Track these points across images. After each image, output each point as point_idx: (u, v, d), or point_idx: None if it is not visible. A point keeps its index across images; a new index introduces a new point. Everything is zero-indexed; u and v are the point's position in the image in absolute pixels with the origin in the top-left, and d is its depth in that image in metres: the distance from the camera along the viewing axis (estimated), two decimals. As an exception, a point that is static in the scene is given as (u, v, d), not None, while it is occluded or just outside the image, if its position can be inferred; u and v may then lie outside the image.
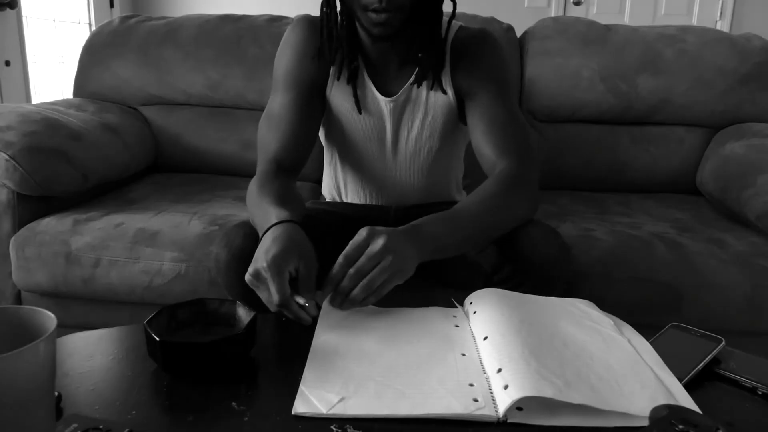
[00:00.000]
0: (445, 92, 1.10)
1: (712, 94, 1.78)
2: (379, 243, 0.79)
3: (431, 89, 1.11)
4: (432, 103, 1.12)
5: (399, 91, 1.12)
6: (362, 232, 0.81)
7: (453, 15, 1.08)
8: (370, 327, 0.79)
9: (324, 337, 0.75)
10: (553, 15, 3.27)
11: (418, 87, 1.11)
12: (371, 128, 1.14)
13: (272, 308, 0.79)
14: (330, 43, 1.07)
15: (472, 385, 0.65)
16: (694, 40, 1.82)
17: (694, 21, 3.30)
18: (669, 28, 1.87)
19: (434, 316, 0.82)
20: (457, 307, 0.86)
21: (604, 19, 1.99)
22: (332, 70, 1.11)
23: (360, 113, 1.12)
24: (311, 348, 0.73)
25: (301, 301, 0.78)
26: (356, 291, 0.79)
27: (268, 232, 0.85)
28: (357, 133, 1.15)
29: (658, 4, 3.32)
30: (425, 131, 1.14)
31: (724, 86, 1.78)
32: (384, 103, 1.12)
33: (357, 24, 1.05)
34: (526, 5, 3.35)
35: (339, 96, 1.12)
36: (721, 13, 3.28)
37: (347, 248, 0.81)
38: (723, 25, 3.28)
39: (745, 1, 3.26)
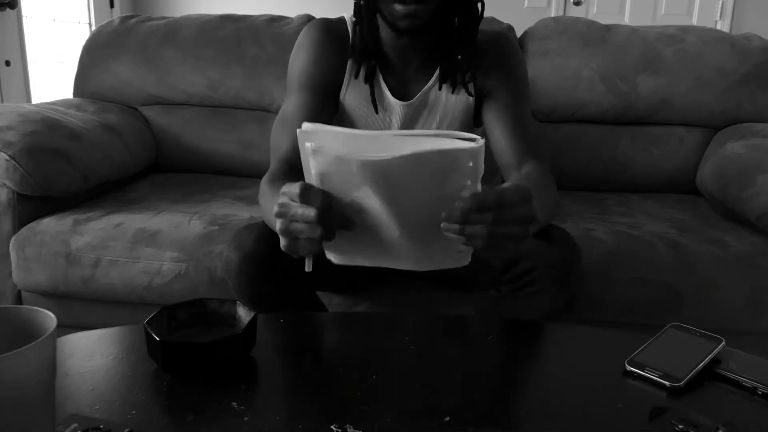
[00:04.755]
0: (471, 94, 1.09)
1: (712, 94, 1.78)
2: (528, 205, 0.68)
3: (453, 92, 1.10)
4: (451, 105, 1.11)
5: (415, 94, 1.11)
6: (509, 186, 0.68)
7: (481, 15, 1.07)
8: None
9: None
10: (553, 15, 3.26)
11: (440, 89, 1.10)
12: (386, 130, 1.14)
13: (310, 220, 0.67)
14: (357, 38, 1.07)
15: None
16: (694, 40, 1.82)
17: (694, 21, 3.29)
18: (669, 28, 1.87)
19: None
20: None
21: (604, 19, 1.99)
22: (348, 69, 1.10)
23: (377, 113, 1.11)
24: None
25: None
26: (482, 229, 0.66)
27: None
28: None
29: (658, 4, 3.32)
30: None
31: (724, 86, 1.78)
32: (398, 107, 1.11)
33: (379, 20, 1.04)
34: (526, 5, 3.35)
35: (354, 97, 1.11)
36: (721, 13, 3.28)
37: (492, 194, 0.66)
38: (723, 25, 3.28)
39: (745, 1, 3.26)
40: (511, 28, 1.88)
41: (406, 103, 1.11)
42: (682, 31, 1.85)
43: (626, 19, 3.32)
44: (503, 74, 1.09)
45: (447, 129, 1.13)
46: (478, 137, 0.63)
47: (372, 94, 1.09)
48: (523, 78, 1.12)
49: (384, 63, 1.10)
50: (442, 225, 0.66)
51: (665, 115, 1.82)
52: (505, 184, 0.70)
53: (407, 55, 1.09)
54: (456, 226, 0.65)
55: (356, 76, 1.10)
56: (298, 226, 0.68)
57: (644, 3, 3.32)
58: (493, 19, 1.87)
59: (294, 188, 0.68)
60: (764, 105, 1.79)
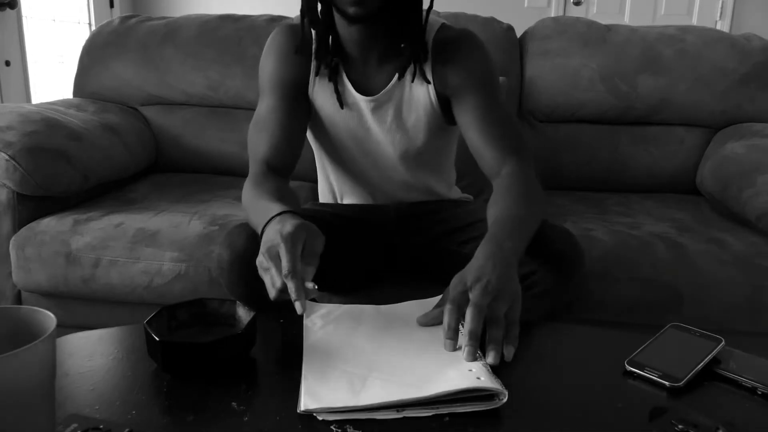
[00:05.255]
0: (429, 82, 1.08)
1: (712, 94, 1.78)
2: (479, 288, 0.75)
3: (413, 81, 1.09)
4: (416, 102, 1.11)
5: (380, 90, 1.10)
6: (456, 282, 0.78)
7: (431, 6, 1.06)
8: (357, 325, 0.80)
9: (314, 338, 0.76)
10: (553, 15, 3.26)
11: (399, 80, 1.09)
12: (355, 127, 1.13)
13: (274, 292, 0.77)
14: (310, 36, 1.07)
15: (471, 370, 0.67)
16: (694, 40, 1.82)
17: (694, 21, 3.29)
18: (669, 28, 1.87)
19: (415, 311, 0.83)
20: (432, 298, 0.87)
21: (604, 19, 1.99)
22: (312, 66, 1.10)
23: (342, 108, 1.11)
24: (304, 349, 0.73)
25: (309, 285, 0.77)
26: (493, 332, 0.73)
27: (273, 221, 0.85)
28: (342, 132, 1.15)
29: (658, 4, 3.32)
30: (410, 130, 1.13)
31: (724, 86, 1.78)
32: (365, 102, 1.11)
33: (335, 12, 1.03)
34: (526, 5, 3.35)
35: (321, 94, 1.12)
36: (721, 13, 3.28)
37: (451, 295, 0.76)
38: (723, 25, 3.28)
39: (745, 1, 3.26)
40: (511, 28, 1.88)
41: (371, 98, 1.10)
42: (682, 31, 1.85)
43: (626, 19, 3.32)
44: (468, 71, 1.07)
45: (414, 124, 1.12)
46: (499, 393, 0.63)
47: (336, 90, 1.09)
48: (491, 74, 1.10)
49: (345, 59, 1.10)
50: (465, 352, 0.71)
51: (665, 115, 1.82)
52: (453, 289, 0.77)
53: (366, 48, 1.08)
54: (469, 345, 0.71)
55: (317, 73, 1.10)
56: (267, 279, 0.79)
57: (644, 3, 3.32)
58: (493, 19, 1.87)
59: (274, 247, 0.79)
60: (764, 105, 1.79)
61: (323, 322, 0.80)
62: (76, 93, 1.93)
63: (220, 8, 2.79)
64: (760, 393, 0.67)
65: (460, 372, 0.67)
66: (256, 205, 0.94)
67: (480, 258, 0.81)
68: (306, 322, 0.80)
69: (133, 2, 3.49)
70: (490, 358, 0.70)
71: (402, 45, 1.06)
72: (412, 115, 1.12)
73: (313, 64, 1.10)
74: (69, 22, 3.10)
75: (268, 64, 1.12)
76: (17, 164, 1.36)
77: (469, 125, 1.07)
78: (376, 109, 1.11)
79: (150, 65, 1.85)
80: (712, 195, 1.68)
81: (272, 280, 0.78)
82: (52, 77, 2.97)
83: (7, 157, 1.36)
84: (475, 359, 0.69)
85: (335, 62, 1.08)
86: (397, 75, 1.08)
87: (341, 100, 1.10)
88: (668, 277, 1.28)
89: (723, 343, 0.74)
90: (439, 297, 0.87)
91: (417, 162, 1.18)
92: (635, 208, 1.66)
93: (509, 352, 0.72)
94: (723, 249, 1.34)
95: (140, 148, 1.80)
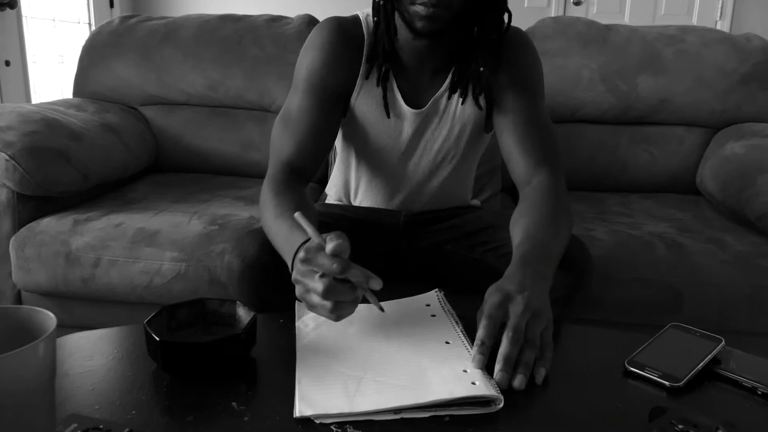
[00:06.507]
0: (481, 108, 1.05)
1: (712, 94, 1.78)
2: (520, 301, 0.72)
3: (462, 103, 1.06)
4: (461, 113, 1.08)
5: (426, 101, 1.07)
6: (495, 294, 0.74)
7: (509, 26, 1.02)
8: (349, 324, 0.79)
9: (307, 339, 0.76)
10: (553, 15, 3.26)
11: (449, 98, 1.06)
12: (395, 136, 1.10)
13: (330, 304, 0.72)
14: (363, 36, 1.04)
15: (465, 371, 0.67)
16: (694, 40, 1.82)
17: (694, 21, 3.29)
18: (669, 28, 1.87)
19: (409, 309, 0.83)
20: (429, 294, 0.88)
21: (604, 19, 1.99)
22: (361, 71, 1.05)
23: (389, 117, 1.07)
24: (297, 351, 0.73)
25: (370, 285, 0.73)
26: (527, 355, 0.69)
27: (298, 255, 0.78)
28: (379, 140, 1.11)
29: (658, 4, 3.32)
30: (450, 141, 1.11)
31: (724, 86, 1.78)
32: (410, 114, 1.08)
33: (398, 20, 1.00)
34: (526, 5, 3.35)
35: (365, 101, 1.07)
36: (721, 13, 3.28)
37: (487, 310, 0.72)
38: (723, 25, 3.28)
39: (745, 1, 3.26)
40: (511, 28, 1.88)
41: (418, 111, 1.07)
42: (682, 31, 1.85)
43: (626, 19, 3.32)
44: (515, 73, 1.04)
45: (456, 136, 1.10)
46: (497, 397, 0.63)
47: (384, 98, 1.05)
48: (538, 77, 1.08)
49: (398, 67, 1.06)
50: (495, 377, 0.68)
51: (665, 115, 1.82)
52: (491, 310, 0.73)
53: (423, 59, 1.04)
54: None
55: (367, 77, 1.05)
56: (314, 299, 0.73)
57: (644, 3, 3.32)
58: (493, 19, 1.87)
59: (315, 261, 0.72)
60: (764, 105, 1.79)
61: (315, 324, 0.80)
62: (76, 93, 1.93)
63: (220, 8, 2.80)
64: (760, 393, 0.67)
65: (455, 373, 0.67)
66: (278, 226, 0.89)
67: (517, 275, 0.77)
68: (298, 323, 0.80)
69: (133, 2, 3.49)
70: (517, 382, 0.67)
71: (464, 63, 1.02)
72: (456, 128, 1.10)
73: (363, 66, 1.05)
74: (69, 22, 3.10)
75: (310, 59, 1.05)
76: (17, 164, 1.36)
77: (507, 128, 1.04)
78: (422, 122, 1.09)
79: (150, 65, 1.85)
80: (712, 195, 1.68)
81: (318, 286, 0.72)
82: (52, 77, 2.97)
83: (7, 157, 1.36)
84: (507, 386, 0.66)
85: (387, 68, 1.04)
86: (444, 87, 1.06)
87: (388, 110, 1.06)
88: (668, 277, 1.28)
89: (723, 343, 0.74)
90: (430, 293, 0.87)
91: (449, 170, 1.16)
92: (635, 208, 1.66)
93: (540, 375, 0.69)
94: (723, 249, 1.34)
95: (140, 148, 1.80)
